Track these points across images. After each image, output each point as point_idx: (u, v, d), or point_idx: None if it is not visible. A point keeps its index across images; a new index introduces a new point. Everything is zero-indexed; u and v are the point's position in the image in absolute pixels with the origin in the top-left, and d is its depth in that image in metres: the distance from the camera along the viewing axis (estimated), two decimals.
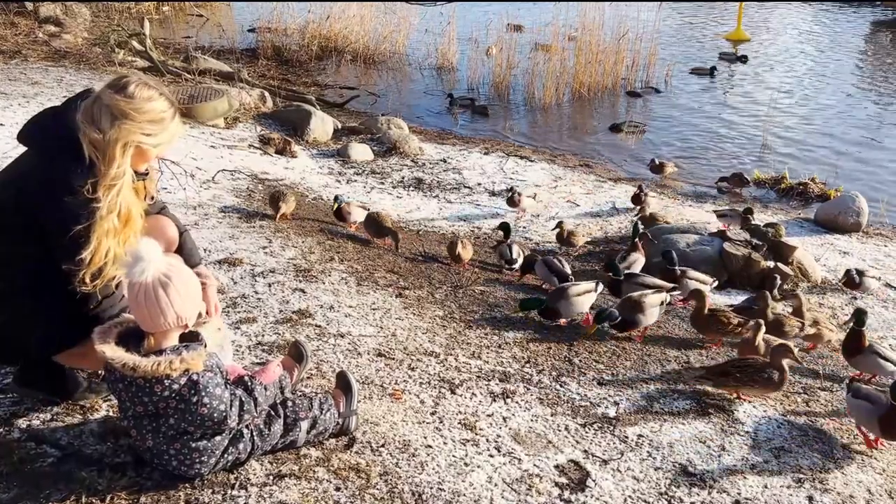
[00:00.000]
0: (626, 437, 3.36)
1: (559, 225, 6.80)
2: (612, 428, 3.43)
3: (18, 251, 2.53)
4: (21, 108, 7.65)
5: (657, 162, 9.58)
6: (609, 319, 4.48)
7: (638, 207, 7.75)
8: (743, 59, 16.69)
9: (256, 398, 2.53)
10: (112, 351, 2.27)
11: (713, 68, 15.53)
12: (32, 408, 2.83)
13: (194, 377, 2.32)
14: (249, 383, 2.56)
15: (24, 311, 2.52)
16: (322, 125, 9.88)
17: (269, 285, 4.51)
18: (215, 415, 2.36)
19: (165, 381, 2.27)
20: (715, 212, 7.55)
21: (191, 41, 14.46)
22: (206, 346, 2.43)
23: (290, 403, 2.73)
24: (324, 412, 2.80)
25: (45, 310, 2.56)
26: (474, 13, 17.76)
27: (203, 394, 2.32)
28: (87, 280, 2.50)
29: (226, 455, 2.52)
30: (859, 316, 4.33)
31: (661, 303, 4.69)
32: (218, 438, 2.48)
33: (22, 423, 2.74)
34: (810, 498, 3.09)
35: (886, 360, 4.24)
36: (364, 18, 15.85)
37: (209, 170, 7.03)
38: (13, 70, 10.06)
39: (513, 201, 7.61)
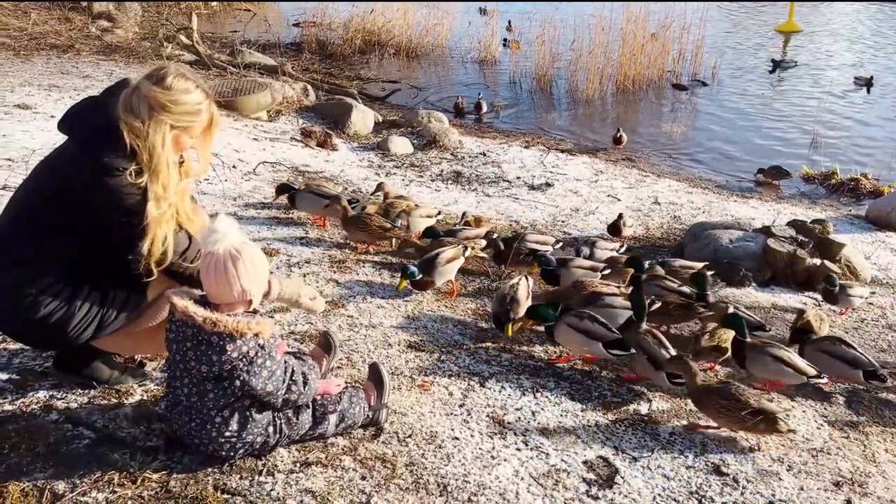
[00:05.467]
0: (658, 435, 3.31)
1: (620, 217, 6.53)
2: (643, 425, 3.38)
3: (57, 238, 2.59)
4: (72, 101, 7.78)
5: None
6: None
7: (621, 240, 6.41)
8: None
9: (308, 378, 2.59)
10: (194, 306, 2.36)
11: (871, 78, 14.46)
12: (70, 391, 2.92)
13: (261, 342, 2.41)
14: (305, 362, 2.70)
15: (62, 298, 2.58)
16: (363, 118, 9.92)
17: (304, 275, 4.56)
18: (273, 379, 2.44)
19: (238, 340, 2.36)
20: None
21: (237, 35, 14.64)
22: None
23: (319, 396, 2.76)
24: (353, 405, 2.82)
25: (83, 296, 2.61)
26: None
27: (268, 358, 2.42)
28: (153, 268, 2.60)
29: (265, 431, 2.56)
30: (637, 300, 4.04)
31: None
32: (262, 414, 2.53)
33: (60, 405, 2.83)
34: (848, 501, 2.99)
35: None
36: (407, 12, 15.86)
37: (251, 162, 7.13)
38: (66, 64, 10.36)
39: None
